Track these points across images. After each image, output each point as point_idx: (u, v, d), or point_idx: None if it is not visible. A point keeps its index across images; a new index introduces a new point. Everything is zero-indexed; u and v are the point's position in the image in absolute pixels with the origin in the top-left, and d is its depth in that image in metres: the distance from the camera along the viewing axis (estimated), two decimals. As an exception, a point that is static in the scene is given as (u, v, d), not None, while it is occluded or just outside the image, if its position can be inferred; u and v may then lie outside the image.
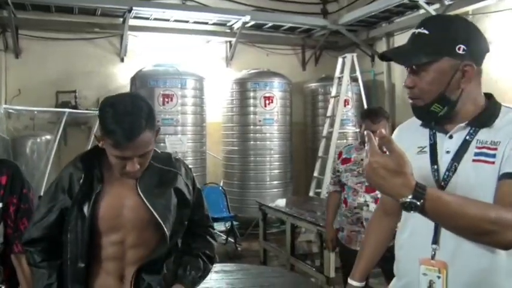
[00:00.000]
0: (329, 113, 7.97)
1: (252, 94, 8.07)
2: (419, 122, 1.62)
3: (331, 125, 7.76)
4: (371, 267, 1.91)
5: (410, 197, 1.25)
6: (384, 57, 1.59)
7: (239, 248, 6.99)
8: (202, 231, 2.03)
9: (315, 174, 7.82)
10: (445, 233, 1.46)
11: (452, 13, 6.97)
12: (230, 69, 9.00)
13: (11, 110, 6.55)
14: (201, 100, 7.78)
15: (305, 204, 5.86)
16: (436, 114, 1.50)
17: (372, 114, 3.41)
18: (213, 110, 8.33)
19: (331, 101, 7.99)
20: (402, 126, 1.77)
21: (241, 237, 7.35)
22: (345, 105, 8.00)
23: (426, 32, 1.46)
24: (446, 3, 6.86)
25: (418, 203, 1.25)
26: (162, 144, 7.15)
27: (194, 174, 2.03)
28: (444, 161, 1.51)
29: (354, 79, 7.95)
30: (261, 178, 8.05)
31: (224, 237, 7.30)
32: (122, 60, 8.44)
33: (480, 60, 1.50)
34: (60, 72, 7.96)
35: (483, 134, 1.47)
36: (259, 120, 8.05)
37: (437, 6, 6.98)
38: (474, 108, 1.51)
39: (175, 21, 8.40)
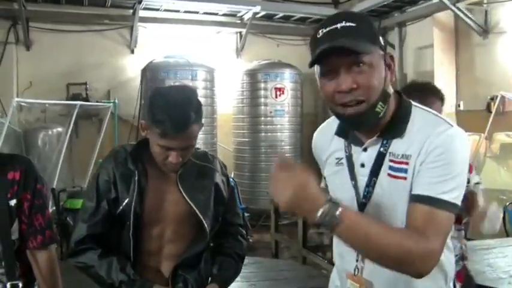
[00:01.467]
0: (340, 104, 7.90)
1: (262, 85, 8.03)
2: (333, 129, 1.51)
3: (343, 116, 7.70)
4: None
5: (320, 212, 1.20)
6: (319, 55, 1.31)
7: (251, 240, 6.98)
8: (234, 230, 2.02)
9: (326, 165, 7.77)
10: None
11: (466, 2, 6.88)
12: (241, 60, 8.96)
13: (23, 103, 6.56)
14: (212, 91, 7.75)
15: (317, 196, 5.83)
16: (377, 117, 1.35)
17: (425, 91, 2.39)
18: (224, 102, 8.30)
19: (343, 91, 7.92)
20: (317, 134, 1.65)
21: (252, 228, 7.34)
22: (356, 96, 7.93)
23: (352, 24, 1.29)
24: (461, -9, 6.76)
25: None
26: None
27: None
28: (361, 174, 1.44)
29: (365, 70, 7.87)
30: (272, 170, 8.01)
31: (235, 228, 7.30)
32: (132, 51, 8.42)
33: None
34: (70, 64, 7.97)
35: (395, 146, 1.38)
36: (270, 112, 8.01)
37: (451, -6, 6.87)
38: (391, 108, 1.39)
39: (185, 12, 8.37)
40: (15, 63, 7.78)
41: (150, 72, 7.46)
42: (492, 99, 6.84)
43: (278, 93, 8.00)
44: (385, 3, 7.74)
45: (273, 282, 3.05)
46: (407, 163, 1.34)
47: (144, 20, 8.15)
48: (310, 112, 9.16)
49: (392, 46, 8.63)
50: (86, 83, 7.91)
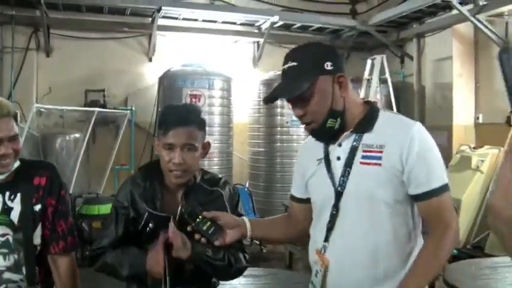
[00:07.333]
0: (357, 115, 7.85)
1: (279, 95, 8.00)
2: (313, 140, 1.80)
3: (359, 127, 7.65)
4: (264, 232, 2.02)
5: None
6: (267, 99, 1.79)
7: (264, 250, 6.94)
8: (237, 246, 1.99)
9: (342, 176, 7.72)
10: (334, 239, 1.70)
11: (486, 14, 6.81)
12: (257, 70, 8.97)
13: (42, 109, 6.65)
14: (228, 101, 7.76)
15: (332, 207, 5.78)
16: (332, 129, 1.67)
17: None
18: (240, 111, 8.31)
19: (360, 102, 7.88)
20: (303, 145, 2.00)
21: (266, 238, 7.30)
22: (373, 107, 7.88)
23: (295, 63, 1.65)
24: (481, 3, 6.68)
25: None
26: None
27: (221, 175, 2.09)
28: (337, 167, 1.70)
29: (383, 81, 7.83)
30: (287, 180, 7.95)
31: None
32: (150, 59, 8.47)
33: (344, 69, 1.70)
34: (89, 71, 8.05)
35: (368, 139, 1.66)
36: (286, 122, 7.98)
37: (470, 6, 6.79)
38: (357, 112, 1.71)
39: (204, 21, 8.40)
40: (36, 69, 7.88)
41: (167, 81, 7.50)
42: (512, 112, 6.75)
43: (295, 103, 7.96)
44: (404, 14, 7.69)
45: (288, 294, 3.01)
46: (381, 152, 1.63)
47: (163, 28, 8.20)
48: (327, 122, 9.11)
49: (411, 58, 8.57)
50: (104, 90, 7.97)
